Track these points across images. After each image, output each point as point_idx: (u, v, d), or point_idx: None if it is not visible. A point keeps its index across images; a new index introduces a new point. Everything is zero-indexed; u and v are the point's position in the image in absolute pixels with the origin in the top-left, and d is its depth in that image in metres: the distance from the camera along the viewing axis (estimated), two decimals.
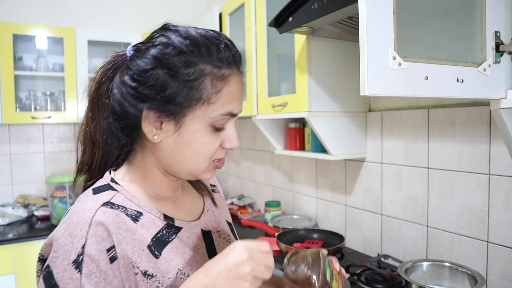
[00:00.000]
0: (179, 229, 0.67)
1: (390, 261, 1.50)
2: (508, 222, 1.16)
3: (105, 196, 0.62)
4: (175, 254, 0.64)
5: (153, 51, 0.60)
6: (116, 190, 0.64)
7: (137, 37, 2.60)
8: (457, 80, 0.81)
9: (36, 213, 2.41)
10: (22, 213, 2.36)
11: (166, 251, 0.63)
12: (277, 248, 1.61)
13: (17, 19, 2.51)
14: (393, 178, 1.53)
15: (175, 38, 0.60)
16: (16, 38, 2.35)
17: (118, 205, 0.62)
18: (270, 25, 1.34)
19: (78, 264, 0.54)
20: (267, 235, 1.95)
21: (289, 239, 1.66)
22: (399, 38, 0.73)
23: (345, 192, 1.79)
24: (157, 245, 0.63)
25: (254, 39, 1.81)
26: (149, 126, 0.61)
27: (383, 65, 0.71)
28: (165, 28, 0.63)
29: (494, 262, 1.20)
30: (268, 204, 2.14)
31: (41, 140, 2.66)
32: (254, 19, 1.80)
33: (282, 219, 2.03)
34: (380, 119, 1.58)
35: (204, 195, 0.81)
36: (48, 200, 2.32)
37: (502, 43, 0.87)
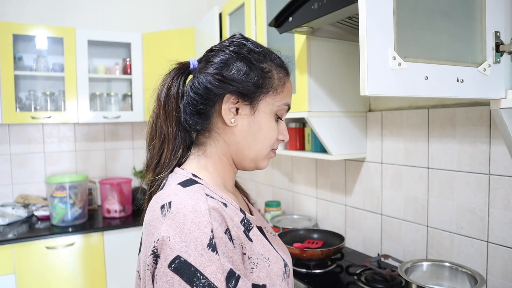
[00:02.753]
0: (250, 221, 0.73)
1: (390, 261, 1.50)
2: (508, 222, 1.16)
3: (198, 188, 0.66)
4: (257, 240, 0.70)
5: (231, 48, 0.71)
6: (202, 184, 0.68)
7: (137, 37, 2.60)
8: (457, 80, 0.81)
9: (36, 213, 2.41)
10: (22, 213, 2.37)
11: (251, 236, 0.69)
12: None
13: (17, 19, 2.51)
14: (393, 178, 1.54)
15: (247, 42, 0.73)
16: (16, 38, 2.35)
17: (211, 196, 0.66)
18: (270, 25, 1.34)
19: (213, 246, 0.57)
20: None
21: (289, 239, 1.66)
22: (399, 38, 0.73)
23: (345, 192, 1.79)
24: (246, 231, 0.69)
25: (254, 39, 1.80)
26: (228, 109, 0.70)
27: (383, 65, 0.71)
28: (236, 36, 0.75)
29: (494, 262, 1.20)
30: (268, 204, 2.14)
31: (41, 140, 2.66)
32: (254, 19, 1.80)
33: (282, 219, 2.03)
34: (380, 119, 1.58)
35: (242, 195, 0.88)
36: (48, 200, 2.32)
37: (502, 43, 0.87)
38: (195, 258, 0.56)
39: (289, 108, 0.76)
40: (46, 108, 2.49)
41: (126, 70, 2.67)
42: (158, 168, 0.74)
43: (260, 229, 0.77)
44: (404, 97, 1.48)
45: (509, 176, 1.15)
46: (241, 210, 0.72)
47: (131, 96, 2.68)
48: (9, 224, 2.28)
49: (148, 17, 2.93)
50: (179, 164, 0.74)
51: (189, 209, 0.60)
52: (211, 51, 0.74)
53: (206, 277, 0.55)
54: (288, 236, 1.69)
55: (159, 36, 2.58)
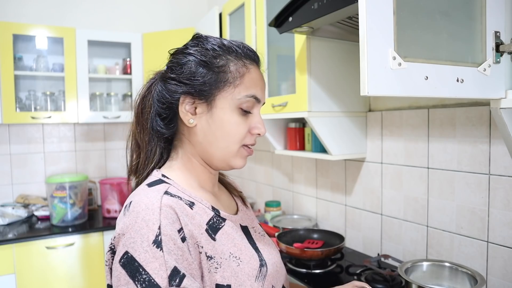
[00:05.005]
0: (224, 219, 0.73)
1: (390, 261, 1.50)
2: (508, 222, 1.16)
3: (162, 187, 0.68)
4: (226, 239, 0.70)
5: (187, 51, 0.73)
6: (169, 184, 0.70)
7: (137, 37, 2.60)
8: (457, 80, 0.81)
9: (36, 213, 2.41)
10: (22, 213, 2.36)
11: (219, 235, 0.69)
12: (278, 248, 1.61)
13: (17, 19, 2.51)
14: (393, 178, 1.54)
15: (203, 41, 0.73)
16: (16, 38, 2.35)
17: (174, 195, 0.68)
18: (270, 25, 1.34)
19: (158, 243, 0.58)
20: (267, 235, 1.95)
21: (289, 239, 1.66)
22: (399, 38, 0.73)
23: (345, 192, 1.79)
24: (211, 230, 0.69)
25: (254, 39, 1.81)
26: (185, 111, 0.71)
27: (383, 65, 0.71)
28: (196, 36, 0.76)
29: (494, 262, 1.20)
30: (268, 204, 2.14)
31: (41, 140, 2.66)
32: (254, 19, 1.80)
33: (282, 219, 2.03)
34: (380, 119, 1.58)
35: (234, 196, 0.89)
36: (48, 200, 2.32)
37: (502, 43, 0.87)
38: (139, 254, 0.58)
39: (257, 100, 0.74)
40: (46, 108, 2.49)
41: (126, 70, 2.67)
42: (136, 172, 0.77)
43: (245, 228, 0.78)
44: (404, 97, 1.48)
45: (509, 176, 1.15)
46: (213, 209, 0.72)
47: (131, 96, 2.68)
48: (9, 224, 2.28)
49: (148, 17, 2.93)
50: (160, 167, 0.77)
51: (142, 207, 0.62)
52: (172, 55, 0.76)
53: (148, 273, 0.56)
54: (288, 236, 1.69)
55: (159, 36, 2.58)
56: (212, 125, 0.71)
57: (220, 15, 2.15)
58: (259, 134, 0.74)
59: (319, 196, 1.97)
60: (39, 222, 2.35)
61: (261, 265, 0.71)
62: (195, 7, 3.10)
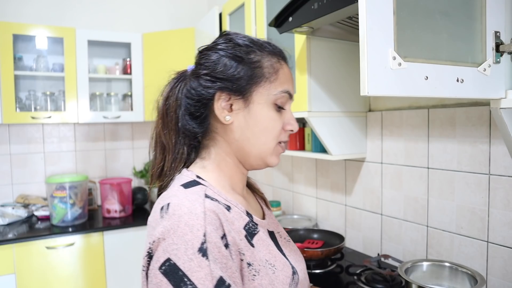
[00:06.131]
0: (257, 225, 0.71)
1: (390, 261, 1.50)
2: (508, 222, 1.16)
3: (199, 189, 0.65)
4: (262, 245, 0.68)
5: (218, 47, 0.71)
6: (205, 186, 0.67)
7: (137, 37, 2.60)
8: (457, 80, 0.81)
9: (36, 213, 2.41)
10: (22, 213, 2.36)
11: (255, 242, 0.67)
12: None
13: (17, 19, 2.51)
14: (393, 178, 1.54)
15: (233, 36, 0.72)
16: (16, 38, 2.34)
17: (212, 198, 0.65)
18: (270, 25, 1.34)
19: (203, 251, 0.55)
20: None
21: None
22: (399, 38, 0.73)
23: (345, 192, 1.79)
24: (249, 236, 0.67)
25: None
26: (221, 107, 0.69)
27: (383, 65, 0.71)
28: (225, 33, 0.74)
29: (494, 262, 1.20)
30: None
31: (41, 140, 2.65)
32: (254, 19, 1.80)
33: (282, 219, 2.03)
34: (380, 119, 1.58)
35: (258, 199, 0.86)
36: (48, 200, 2.31)
37: (502, 43, 0.87)
38: (184, 262, 0.54)
39: (290, 95, 0.74)
40: (46, 108, 2.49)
41: (126, 70, 2.67)
42: (161, 176, 0.74)
43: (272, 234, 0.75)
44: (404, 97, 1.48)
45: (509, 176, 1.15)
46: (248, 214, 0.70)
47: (131, 96, 2.68)
48: (9, 224, 2.28)
49: (148, 17, 2.93)
50: (187, 167, 0.74)
51: (185, 211, 0.58)
52: (201, 53, 0.74)
53: (193, 283, 0.53)
54: None
55: (159, 36, 2.58)
56: (249, 121, 0.70)
57: (220, 15, 2.15)
58: (292, 130, 0.74)
59: (319, 196, 1.97)
60: (39, 222, 2.35)
61: (294, 273, 0.70)
62: (195, 7, 3.10)
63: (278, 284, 0.65)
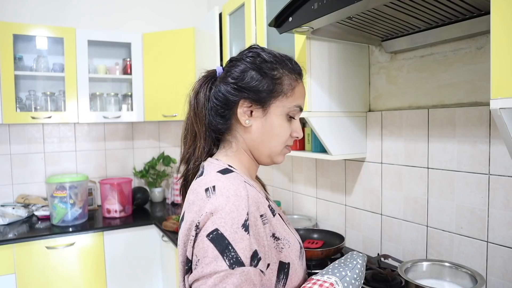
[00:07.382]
0: (273, 207, 0.83)
1: (390, 261, 1.50)
2: (508, 222, 1.16)
3: (236, 175, 0.77)
4: (279, 224, 0.80)
5: (247, 59, 0.82)
6: (237, 173, 0.79)
7: (137, 37, 2.60)
8: None
9: (36, 213, 2.41)
10: (22, 213, 2.37)
11: (275, 220, 0.79)
12: None
13: (17, 19, 2.51)
14: (393, 178, 1.54)
15: (262, 52, 0.83)
16: (16, 38, 2.35)
17: (249, 183, 0.77)
18: (270, 25, 1.34)
19: (246, 227, 0.68)
20: None
21: None
22: None
23: (345, 192, 1.79)
24: (273, 215, 0.79)
25: (254, 39, 1.81)
26: (243, 112, 0.81)
27: None
28: (253, 47, 0.85)
29: (494, 262, 1.20)
30: None
31: (41, 140, 2.66)
32: (254, 19, 1.80)
33: None
34: (380, 119, 1.59)
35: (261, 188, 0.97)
36: (48, 200, 2.32)
37: None
38: (230, 233, 0.66)
39: (301, 109, 0.85)
40: (46, 108, 2.49)
41: (126, 70, 2.67)
42: (191, 160, 0.86)
43: (279, 214, 0.88)
44: (404, 97, 1.48)
45: (509, 176, 1.15)
46: (267, 198, 0.83)
47: (131, 96, 2.68)
48: (9, 224, 2.28)
49: (148, 17, 2.93)
50: (210, 155, 0.86)
51: (231, 193, 0.71)
52: (231, 62, 0.85)
53: (236, 251, 0.65)
54: None
55: (159, 36, 2.58)
56: (265, 127, 0.82)
57: (220, 15, 2.15)
58: (297, 137, 0.87)
59: (319, 196, 1.97)
60: (39, 222, 2.35)
61: (301, 247, 0.85)
62: (195, 7, 3.10)
63: (293, 256, 0.79)
